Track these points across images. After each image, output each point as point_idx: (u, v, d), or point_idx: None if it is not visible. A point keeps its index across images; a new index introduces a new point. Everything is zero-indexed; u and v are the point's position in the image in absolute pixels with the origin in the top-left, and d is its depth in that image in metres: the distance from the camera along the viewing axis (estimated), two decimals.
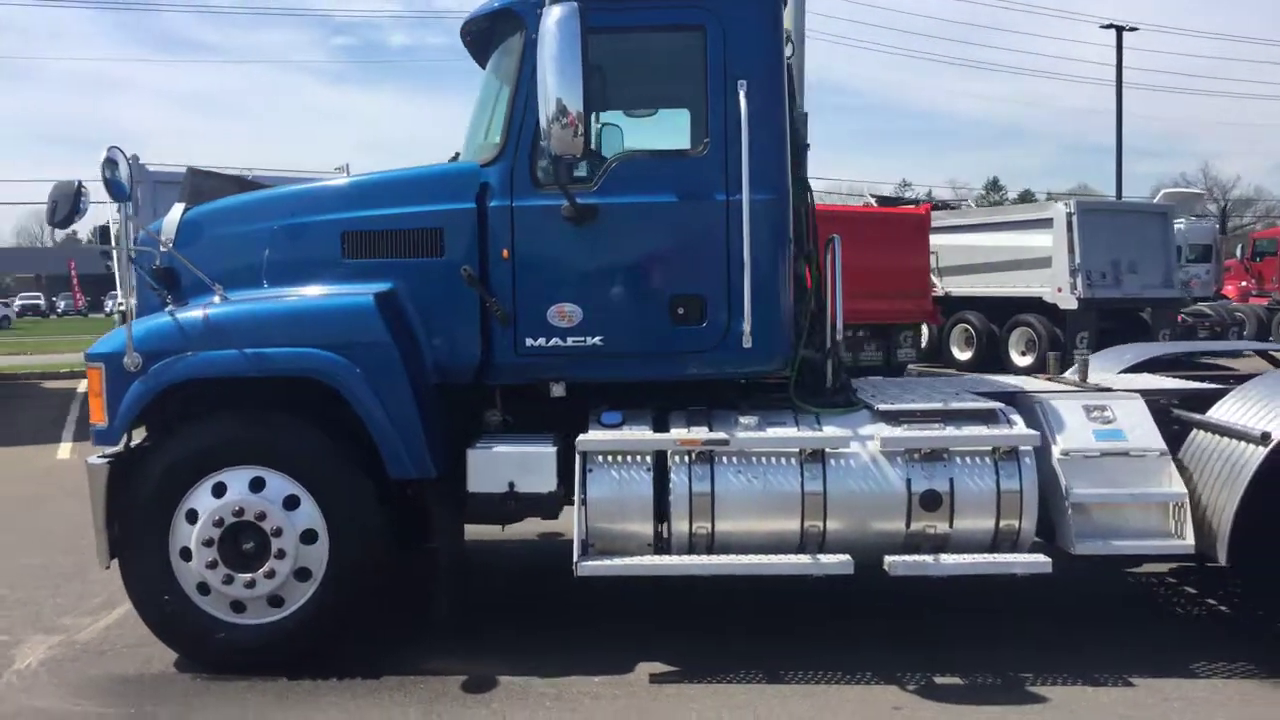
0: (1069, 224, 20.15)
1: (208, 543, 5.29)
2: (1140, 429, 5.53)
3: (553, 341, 5.48)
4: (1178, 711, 4.88)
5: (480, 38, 5.93)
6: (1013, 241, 21.35)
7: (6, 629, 6.13)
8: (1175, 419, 5.85)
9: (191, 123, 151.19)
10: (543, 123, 4.97)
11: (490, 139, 5.60)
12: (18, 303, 67.81)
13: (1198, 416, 5.70)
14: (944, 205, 27.68)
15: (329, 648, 5.44)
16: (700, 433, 5.37)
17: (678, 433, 5.38)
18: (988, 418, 5.50)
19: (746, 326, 5.37)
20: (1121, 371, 7.14)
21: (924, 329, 22.20)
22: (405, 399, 5.30)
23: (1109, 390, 5.91)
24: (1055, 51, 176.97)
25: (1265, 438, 5.29)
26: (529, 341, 5.48)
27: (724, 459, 5.37)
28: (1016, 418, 5.52)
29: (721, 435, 5.34)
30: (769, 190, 5.45)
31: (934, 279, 22.10)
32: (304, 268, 5.65)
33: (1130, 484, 5.39)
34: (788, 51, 6.08)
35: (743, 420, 5.47)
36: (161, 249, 5.72)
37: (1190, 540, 5.28)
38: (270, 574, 5.31)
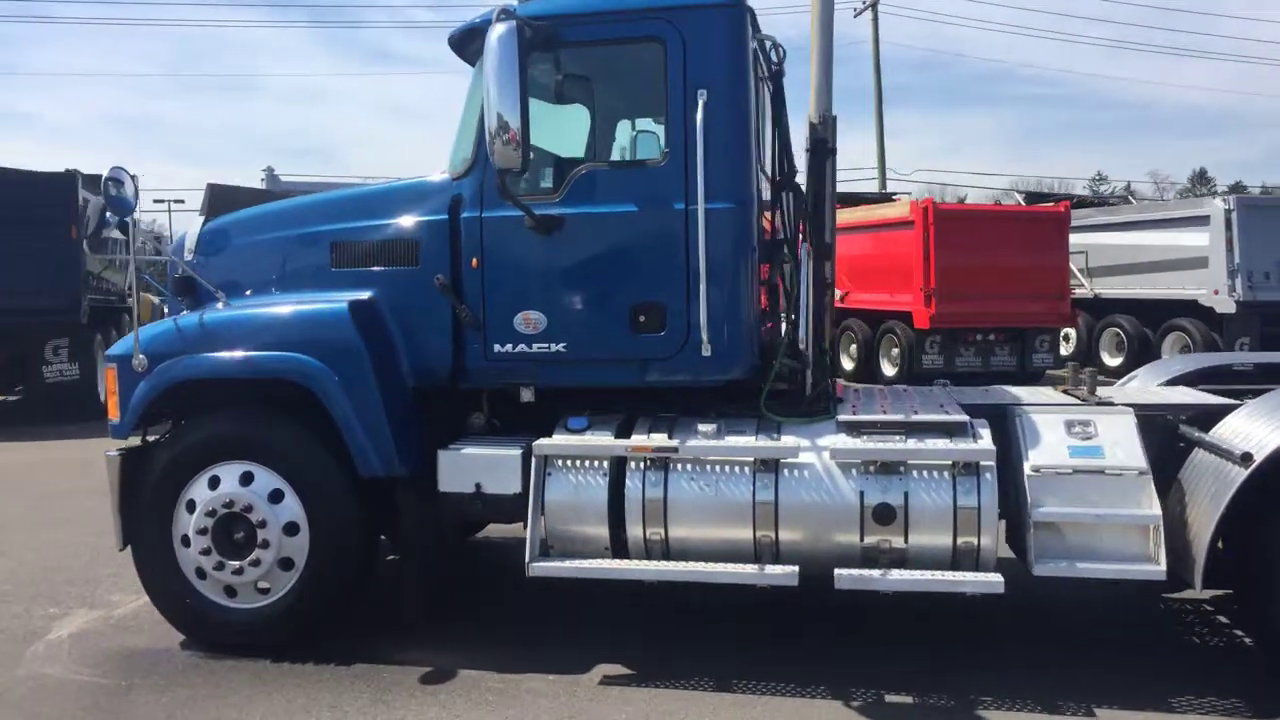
0: (1227, 221, 18.84)
1: (202, 531, 5.72)
2: (1122, 447, 5.25)
3: (519, 347, 5.66)
4: None
5: (463, 54, 6.16)
6: (1167, 240, 20.13)
7: (60, 602, 6.76)
8: (1181, 436, 5.53)
9: (390, 131, 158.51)
10: (486, 137, 5.16)
11: (464, 153, 5.82)
12: None
13: (1197, 434, 5.38)
14: (1097, 201, 26.33)
15: (312, 634, 5.78)
16: (654, 439, 5.45)
17: (634, 439, 5.47)
18: (953, 430, 5.35)
19: (704, 335, 5.41)
20: (1163, 384, 6.77)
21: (1069, 333, 21.29)
22: (375, 401, 5.59)
23: (1106, 405, 5.63)
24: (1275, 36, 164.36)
25: (1246, 459, 4.97)
26: (497, 347, 5.68)
27: (678, 466, 5.43)
28: (985, 432, 5.34)
29: (672, 442, 5.39)
30: (728, 200, 5.46)
31: (1082, 280, 21.15)
32: (300, 276, 6.02)
33: (1103, 504, 5.14)
34: (774, 59, 6.11)
35: (701, 428, 5.51)
36: (182, 259, 6.21)
37: (1162, 565, 5.00)
38: (256, 562, 5.70)
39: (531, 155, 5.36)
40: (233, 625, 5.80)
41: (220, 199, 6.50)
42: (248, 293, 6.11)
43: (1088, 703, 5.03)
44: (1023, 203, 23.35)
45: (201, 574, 5.79)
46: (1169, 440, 5.54)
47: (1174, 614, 6.37)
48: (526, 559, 5.39)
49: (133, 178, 5.65)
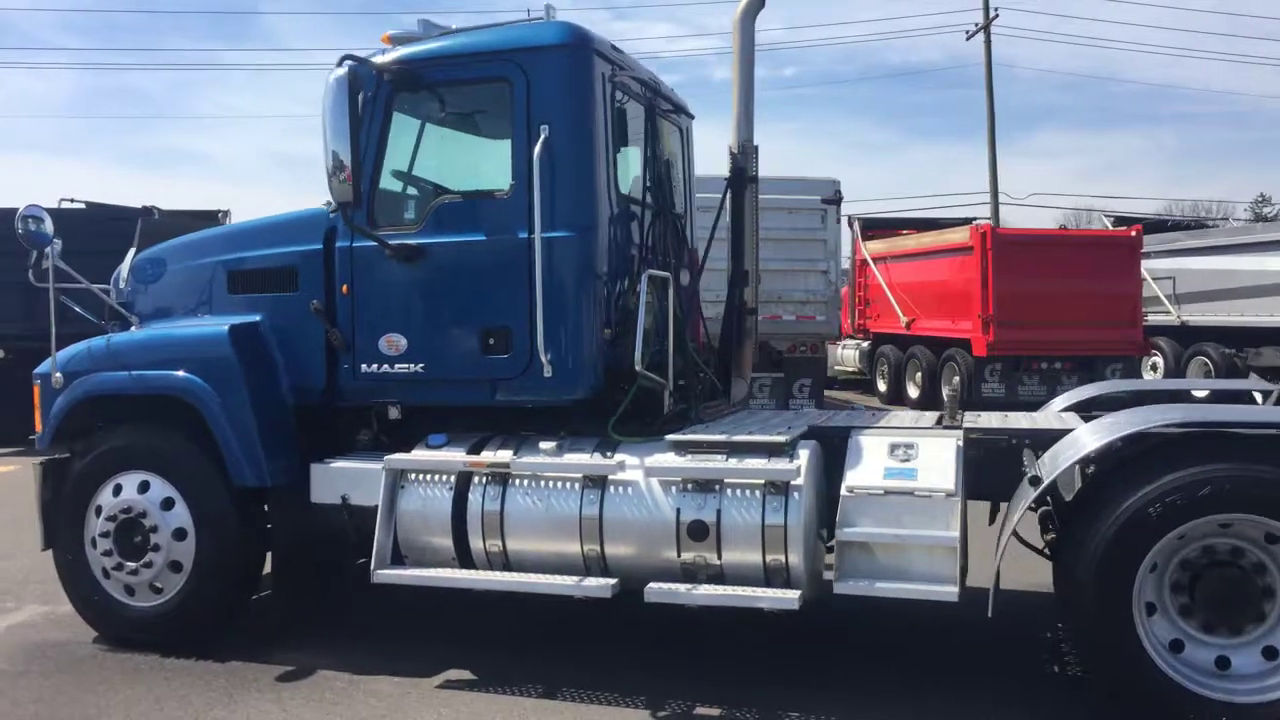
0: None
1: (105, 534, 6.28)
2: (936, 470, 5.27)
3: (384, 368, 6.04)
4: None
5: None
6: (1257, 265, 19.20)
7: (19, 599, 7.43)
8: (1023, 460, 5.51)
9: None
10: (325, 174, 5.58)
11: None
12: None
13: (1026, 460, 5.36)
14: (1188, 225, 25.19)
15: (202, 632, 6.25)
16: (489, 455, 5.74)
17: (472, 455, 5.77)
18: (774, 451, 5.46)
19: (544, 357, 5.68)
20: (1063, 410, 6.71)
21: (1157, 361, 20.48)
22: (248, 417, 6.06)
23: (936, 429, 5.65)
24: None
25: (1035, 481, 4.96)
26: (364, 368, 6.08)
27: (516, 481, 5.70)
28: (803, 453, 5.43)
29: (505, 459, 5.68)
30: (568, 228, 5.73)
31: (1168, 306, 20.34)
32: (207, 301, 6.56)
33: (910, 525, 5.17)
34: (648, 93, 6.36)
35: (542, 445, 5.77)
36: (116, 287, 6.85)
37: (955, 587, 5.01)
38: (149, 564, 6.22)
39: (365, 189, 5.81)
40: (132, 621, 6.33)
41: (151, 229, 7.11)
42: (170, 317, 6.68)
43: None
44: (1109, 226, 22.59)
45: (106, 574, 6.34)
46: (1012, 464, 5.52)
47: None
48: (373, 566, 5.75)
49: (49, 214, 6.28)
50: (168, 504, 6.22)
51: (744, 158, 7.38)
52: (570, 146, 5.76)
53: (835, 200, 16.13)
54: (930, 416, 6.21)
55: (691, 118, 7.61)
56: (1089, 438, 4.97)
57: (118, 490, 6.30)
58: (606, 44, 6.10)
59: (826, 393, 22.96)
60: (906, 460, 5.36)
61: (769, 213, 15.79)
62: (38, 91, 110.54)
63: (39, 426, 6.58)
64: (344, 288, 6.09)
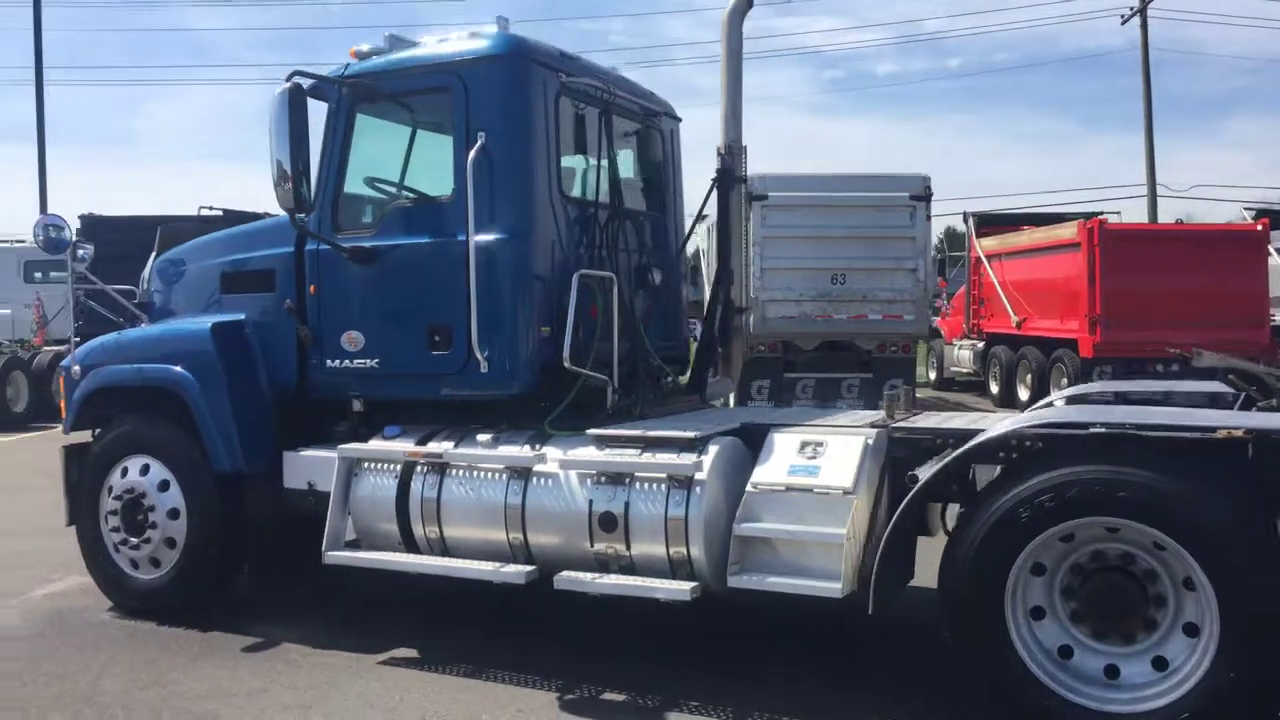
0: None
1: (113, 512, 6.92)
2: (837, 468, 5.29)
3: (345, 363, 6.46)
4: None
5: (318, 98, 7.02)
6: None
7: (63, 571, 8.18)
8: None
9: (692, 165, 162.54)
10: (271, 182, 6.02)
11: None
12: None
13: (935, 459, 5.33)
14: None
15: (196, 603, 6.82)
16: (428, 446, 6.07)
17: (412, 445, 6.12)
18: (685, 446, 5.59)
19: (480, 355, 5.98)
20: (1035, 409, 6.58)
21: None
22: (226, 407, 6.57)
23: (850, 428, 5.64)
24: None
25: (913, 480, 4.95)
26: (329, 363, 6.51)
27: (452, 471, 6.01)
28: (712, 449, 5.54)
29: (439, 449, 6.00)
30: (502, 231, 6.01)
31: None
32: (204, 301, 7.14)
33: (806, 521, 5.22)
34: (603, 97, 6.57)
35: (480, 438, 6.07)
36: (140, 289, 7.53)
37: (838, 583, 5.03)
38: (148, 540, 6.82)
39: (329, 195, 6.23)
40: (137, 592, 6.95)
41: (170, 235, 7.77)
42: (180, 315, 7.30)
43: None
44: (1249, 219, 21.22)
45: (116, 549, 6.98)
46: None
47: None
48: (324, 547, 6.17)
49: (66, 224, 6.98)
50: (164, 486, 6.80)
51: (731, 158, 7.50)
52: (505, 152, 6.03)
53: (925, 196, 15.78)
54: (868, 415, 6.19)
55: (677, 120, 7.75)
56: (974, 439, 4.92)
57: (124, 472, 6.94)
58: (552, 53, 6.35)
59: (938, 394, 22.54)
60: (813, 458, 5.40)
61: (855, 210, 15.83)
62: (232, 104, 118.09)
63: (64, 413, 7.30)
64: (311, 288, 6.54)
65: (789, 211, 15.62)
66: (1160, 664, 4.63)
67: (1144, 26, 35.97)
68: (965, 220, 22.08)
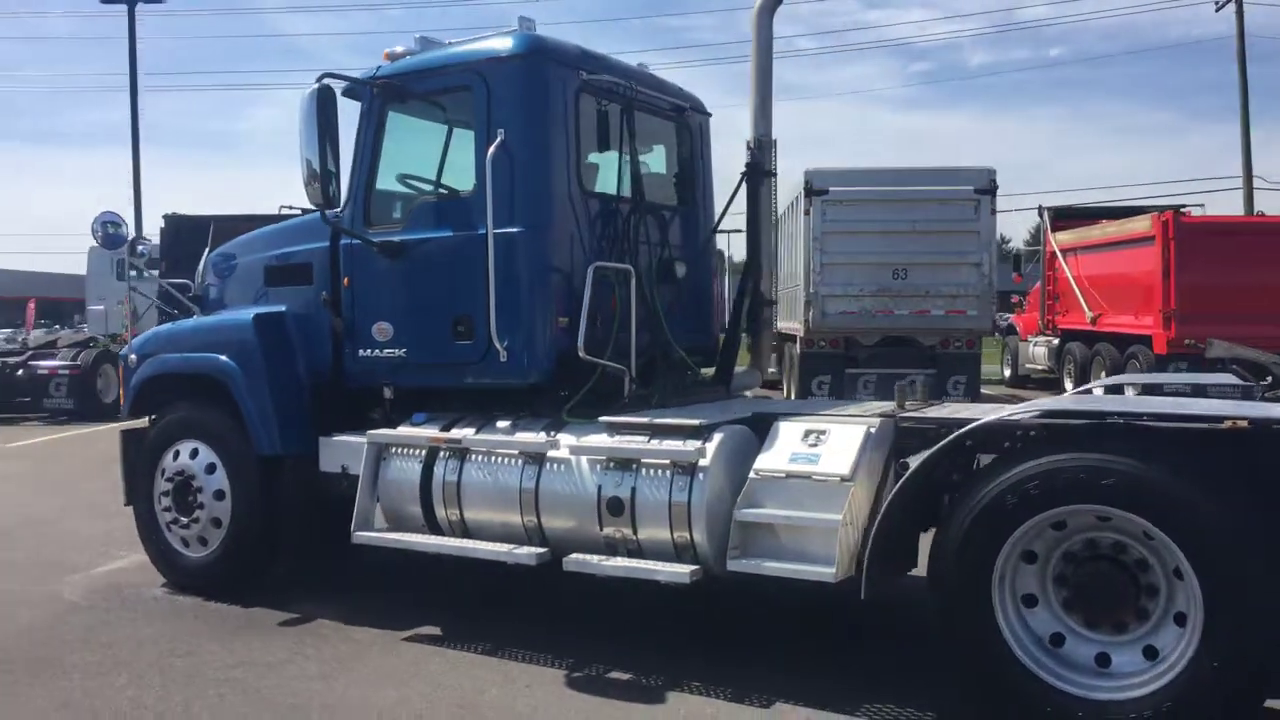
0: None
1: (165, 493, 7.32)
2: (836, 456, 5.36)
3: (375, 352, 6.74)
4: None
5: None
6: None
7: (130, 549, 8.61)
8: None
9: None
10: (302, 180, 6.30)
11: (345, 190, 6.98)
12: None
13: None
14: None
15: (241, 580, 7.17)
16: (448, 433, 6.31)
17: (435, 432, 6.36)
18: (690, 434, 5.72)
19: (499, 344, 6.20)
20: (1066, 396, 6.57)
21: None
22: (266, 394, 6.90)
23: (855, 417, 5.71)
24: None
25: (902, 469, 5.01)
26: (360, 352, 6.79)
27: (472, 456, 6.24)
28: (718, 436, 5.66)
29: (459, 435, 6.23)
30: (520, 224, 6.21)
31: None
32: (252, 294, 7.49)
33: (805, 507, 5.31)
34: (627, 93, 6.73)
35: (499, 424, 6.29)
36: (196, 283, 7.93)
37: (832, 568, 5.12)
38: (196, 520, 7.20)
39: (359, 192, 6.50)
40: (187, 570, 7.34)
41: (221, 230, 8.15)
42: (229, 306, 7.68)
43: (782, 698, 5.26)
44: None
45: (168, 528, 7.38)
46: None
47: None
48: (353, 528, 6.45)
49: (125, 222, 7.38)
50: (211, 468, 7.17)
51: (760, 152, 7.59)
52: (522, 148, 6.23)
53: (990, 190, 15.59)
54: (881, 406, 6.23)
55: (707, 115, 7.86)
56: (963, 427, 4.96)
57: (176, 455, 7.32)
58: (572, 51, 6.54)
59: (1013, 392, 22.16)
60: (815, 446, 5.48)
61: (918, 205, 15.71)
62: None
63: (123, 400, 7.73)
64: (345, 280, 6.82)
65: (849, 206, 15.60)
66: (1151, 653, 4.62)
67: (1239, 13, 34.83)
68: (1040, 214, 21.70)
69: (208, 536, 7.21)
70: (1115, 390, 6.85)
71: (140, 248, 8.05)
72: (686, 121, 7.64)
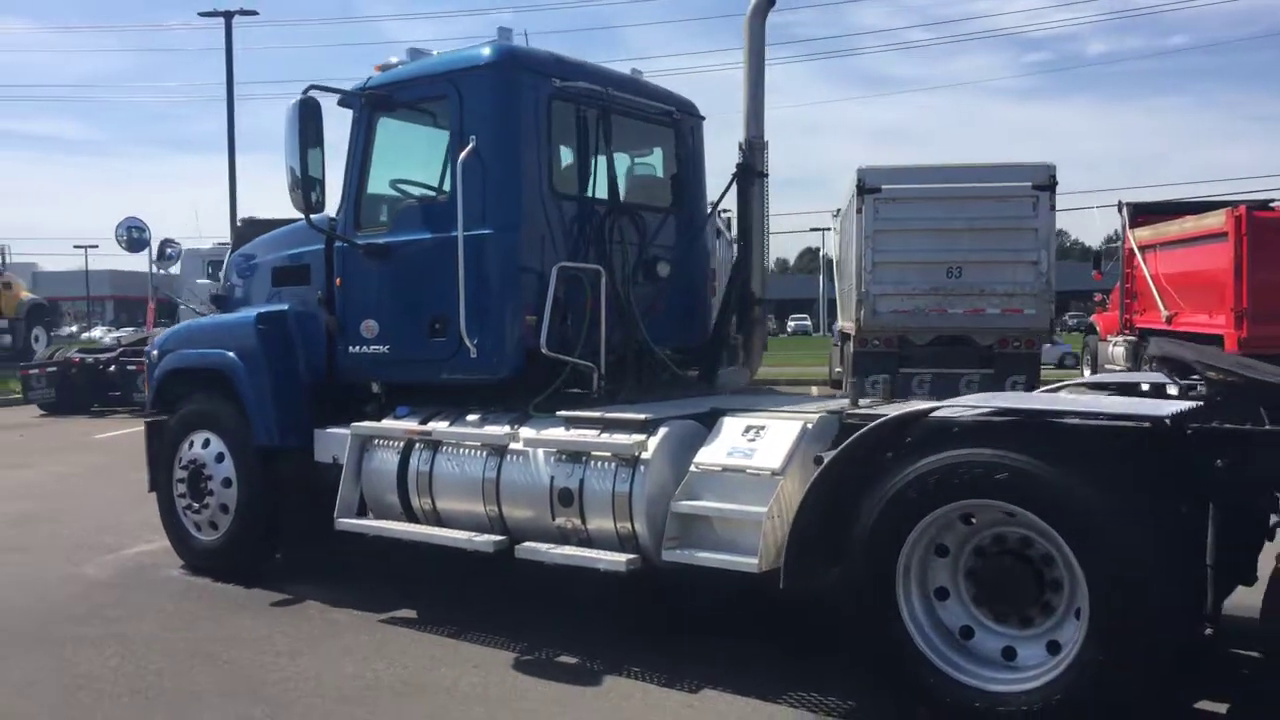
0: None
1: (181, 480, 7.83)
2: (769, 450, 5.49)
3: (362, 349, 7.10)
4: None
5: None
6: None
7: (159, 533, 9.10)
8: None
9: (879, 155, 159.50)
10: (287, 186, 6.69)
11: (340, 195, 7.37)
12: None
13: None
14: None
15: (250, 563, 7.63)
16: (420, 425, 6.63)
17: (410, 424, 6.68)
18: (635, 428, 5.92)
19: (470, 341, 6.49)
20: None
21: None
22: (266, 388, 7.33)
23: (792, 413, 5.81)
24: None
25: (818, 461, 5.13)
26: (351, 349, 7.17)
27: (443, 448, 6.55)
28: (663, 430, 5.83)
29: (427, 427, 6.55)
30: (489, 226, 6.49)
31: None
32: (264, 292, 7.94)
33: (737, 500, 5.46)
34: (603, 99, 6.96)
35: (468, 418, 6.58)
36: (220, 283, 8.43)
37: (755, 559, 5.26)
38: (206, 506, 7.68)
39: (352, 196, 6.92)
40: (200, 552, 7.83)
41: (245, 232, 8.63)
42: (244, 306, 8.15)
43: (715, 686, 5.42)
44: None
45: (184, 513, 7.89)
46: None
47: None
48: (335, 515, 6.82)
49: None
50: (220, 458, 7.64)
51: (752, 153, 7.73)
52: (492, 153, 6.50)
53: (1049, 186, 15.33)
54: (837, 404, 6.32)
55: (699, 118, 8.02)
56: (870, 423, 5.06)
57: (191, 445, 7.82)
58: (546, 60, 6.79)
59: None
60: (753, 440, 5.63)
61: (973, 202, 15.53)
62: None
63: (147, 393, 8.27)
64: (338, 281, 7.21)
65: (902, 204, 15.51)
66: (1054, 648, 4.66)
67: None
68: (1119, 210, 21.11)
69: (217, 521, 7.68)
70: (1099, 388, 6.79)
71: (169, 250, 8.56)
72: (677, 125, 7.81)
